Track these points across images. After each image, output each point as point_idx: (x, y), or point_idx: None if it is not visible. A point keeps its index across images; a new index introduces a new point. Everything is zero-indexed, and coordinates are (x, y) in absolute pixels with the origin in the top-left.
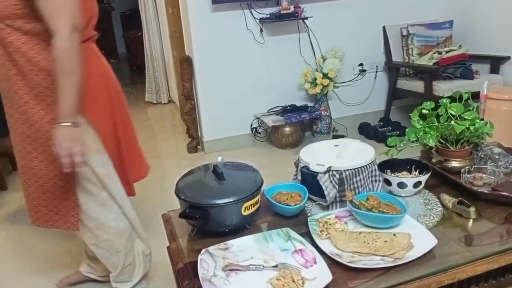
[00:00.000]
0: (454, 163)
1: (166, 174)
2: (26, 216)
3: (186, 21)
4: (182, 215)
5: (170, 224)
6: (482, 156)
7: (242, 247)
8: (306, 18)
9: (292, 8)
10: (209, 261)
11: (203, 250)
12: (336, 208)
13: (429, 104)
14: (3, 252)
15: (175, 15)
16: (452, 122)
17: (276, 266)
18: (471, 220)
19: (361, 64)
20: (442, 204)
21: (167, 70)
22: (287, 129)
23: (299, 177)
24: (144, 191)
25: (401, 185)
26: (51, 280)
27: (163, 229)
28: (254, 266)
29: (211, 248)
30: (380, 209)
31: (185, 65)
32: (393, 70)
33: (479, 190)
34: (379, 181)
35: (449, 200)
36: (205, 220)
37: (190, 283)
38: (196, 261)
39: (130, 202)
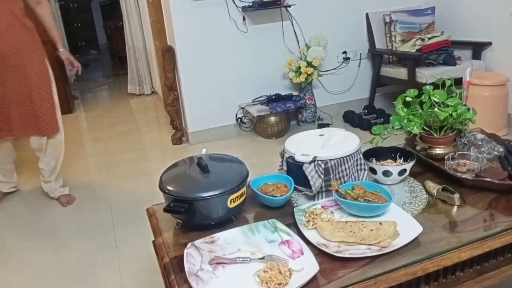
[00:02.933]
0: (438, 150)
1: (151, 167)
2: (11, 212)
3: (167, 11)
4: (166, 209)
5: (155, 219)
6: (465, 142)
7: (228, 239)
8: (289, 6)
9: None
10: (195, 255)
11: (189, 244)
12: (322, 198)
13: (412, 92)
14: None
15: (156, 4)
16: (436, 109)
17: (263, 258)
18: (456, 206)
19: (344, 52)
20: (427, 191)
21: (149, 61)
22: (272, 118)
23: (285, 168)
24: (129, 185)
25: (386, 173)
26: (34, 276)
27: (148, 223)
28: (241, 259)
29: (197, 242)
30: (366, 198)
31: (167, 56)
32: (376, 57)
33: (463, 176)
34: (364, 170)
35: (434, 187)
36: (190, 213)
37: (177, 277)
38: (182, 255)
39: None
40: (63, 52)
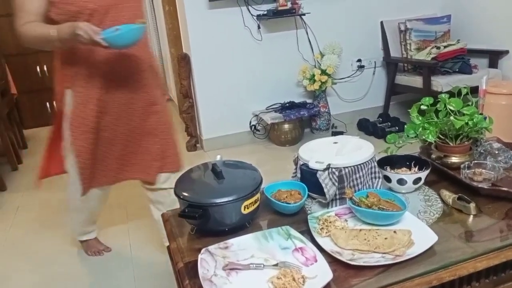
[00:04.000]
0: (454, 159)
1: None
2: (26, 217)
3: (183, 19)
4: (181, 215)
5: (170, 224)
6: (481, 151)
7: (242, 246)
8: (304, 14)
9: (289, 4)
10: (209, 261)
11: (203, 250)
12: (336, 205)
13: (427, 100)
14: (2, 252)
15: (172, 13)
16: (451, 117)
17: (276, 264)
18: (471, 216)
19: (359, 60)
20: (442, 200)
21: (165, 68)
22: (286, 126)
23: (299, 175)
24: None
25: (401, 181)
26: (49, 279)
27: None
28: (254, 265)
29: (211, 247)
30: (380, 206)
31: (183, 63)
32: (391, 65)
33: (479, 185)
34: (379, 178)
35: (449, 196)
36: (204, 219)
37: (191, 282)
38: (196, 261)
39: None
40: None
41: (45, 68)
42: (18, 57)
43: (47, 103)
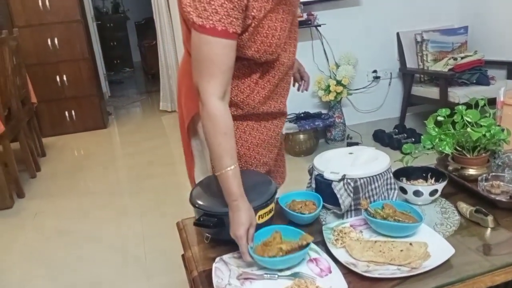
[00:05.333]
0: (471, 171)
1: (181, 181)
2: (43, 223)
3: None
4: (196, 223)
5: (185, 232)
6: (499, 163)
7: None
8: (319, 26)
9: (305, 16)
10: (223, 270)
11: (217, 259)
12: (351, 216)
13: (444, 111)
14: (20, 258)
15: None
16: (468, 129)
17: (290, 275)
18: (489, 229)
19: (375, 71)
20: (459, 213)
21: None
22: (301, 136)
23: (313, 185)
24: (159, 198)
25: (417, 193)
26: (66, 286)
27: (178, 237)
28: (268, 275)
29: (225, 257)
30: (396, 217)
31: None
32: (407, 76)
33: (497, 198)
34: (395, 189)
35: (466, 208)
36: (219, 228)
37: None
38: (211, 270)
39: None
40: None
41: (64, 78)
42: (38, 66)
43: (66, 112)
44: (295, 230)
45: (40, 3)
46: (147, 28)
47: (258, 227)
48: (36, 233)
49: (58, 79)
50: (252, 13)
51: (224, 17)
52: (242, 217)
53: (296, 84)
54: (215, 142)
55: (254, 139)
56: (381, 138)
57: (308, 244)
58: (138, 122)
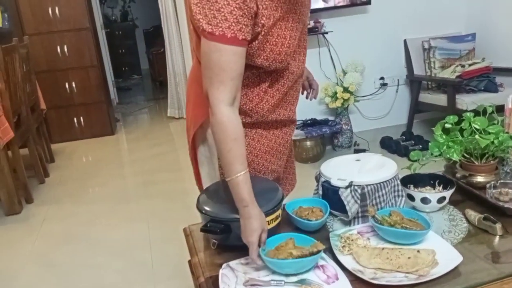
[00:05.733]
0: (479, 178)
1: (188, 187)
2: (51, 229)
3: None
4: (203, 229)
5: (192, 238)
6: (508, 171)
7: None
8: (326, 33)
9: (312, 23)
10: (230, 276)
11: (224, 265)
12: (358, 223)
13: (452, 118)
14: (28, 264)
15: None
16: (476, 136)
17: (297, 281)
18: (497, 236)
19: (382, 78)
20: (467, 220)
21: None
22: (308, 143)
23: (320, 192)
24: (166, 204)
25: (425, 200)
26: None
27: (185, 243)
28: (275, 282)
29: (232, 263)
30: (403, 225)
31: None
32: (415, 83)
33: (505, 205)
34: (402, 196)
35: (475, 216)
36: (226, 234)
37: None
38: (217, 276)
39: None
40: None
41: (73, 85)
42: (48, 73)
43: (75, 119)
44: (308, 238)
45: (50, 11)
46: (155, 35)
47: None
48: (44, 238)
49: (67, 86)
50: (262, 21)
51: (233, 24)
52: (254, 223)
53: (305, 92)
54: (225, 148)
55: (263, 146)
56: (388, 145)
57: (319, 252)
58: (145, 128)
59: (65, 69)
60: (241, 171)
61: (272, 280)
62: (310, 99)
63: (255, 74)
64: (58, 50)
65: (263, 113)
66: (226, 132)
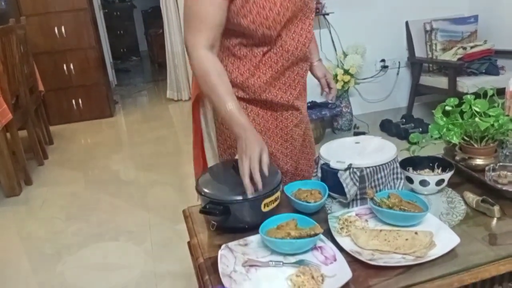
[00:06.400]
0: (478, 161)
1: (187, 170)
2: (51, 211)
3: None
4: (202, 211)
5: (191, 220)
6: (507, 153)
7: (261, 243)
8: (327, 14)
9: None
10: (229, 257)
11: (223, 246)
12: (356, 205)
13: (452, 101)
14: (28, 245)
15: None
16: (477, 119)
17: (295, 262)
18: (495, 219)
19: (383, 60)
20: (466, 203)
21: (187, 67)
22: None
23: (319, 174)
24: (166, 187)
25: (423, 183)
26: (73, 272)
27: (184, 225)
28: (273, 263)
29: (231, 244)
30: (402, 207)
31: None
32: (416, 66)
33: (504, 188)
34: (401, 178)
35: (473, 198)
36: (225, 216)
37: (210, 278)
38: (216, 257)
39: None
40: (319, 66)
41: (71, 66)
42: (45, 55)
43: (73, 101)
44: (310, 221)
45: None
46: (154, 17)
47: (264, 216)
48: (43, 220)
49: (65, 67)
50: None
51: None
52: (254, 142)
53: (324, 93)
54: (210, 86)
55: (258, 125)
56: (388, 128)
57: (316, 234)
58: (144, 110)
59: (63, 51)
60: (232, 100)
61: (270, 261)
62: (330, 100)
63: (247, 47)
64: (56, 31)
65: (254, 89)
66: (208, 71)
